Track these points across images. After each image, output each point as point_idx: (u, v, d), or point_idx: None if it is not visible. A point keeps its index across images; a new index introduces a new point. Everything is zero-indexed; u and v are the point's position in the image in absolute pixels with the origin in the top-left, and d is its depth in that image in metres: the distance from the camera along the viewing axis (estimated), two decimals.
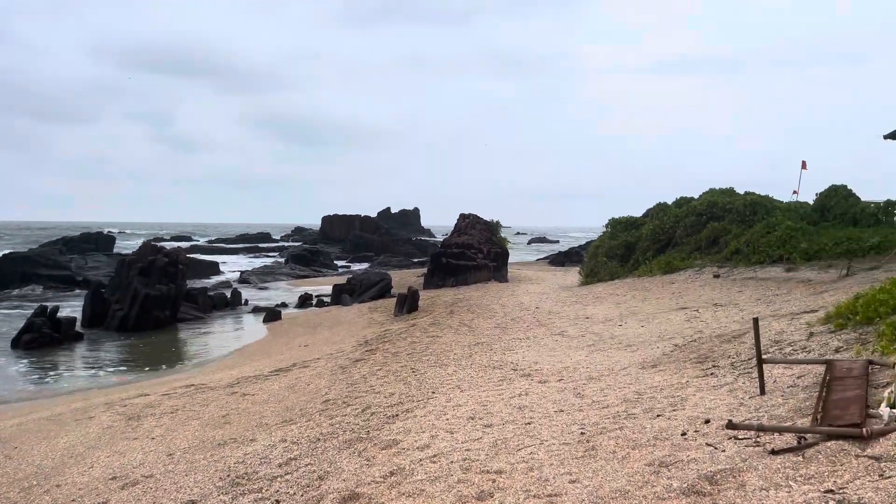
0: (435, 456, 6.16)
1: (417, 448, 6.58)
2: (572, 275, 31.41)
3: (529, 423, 6.85)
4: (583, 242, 65.00)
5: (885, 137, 20.07)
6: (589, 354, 11.15)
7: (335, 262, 58.40)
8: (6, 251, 44.02)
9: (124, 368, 17.71)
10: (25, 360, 18.42)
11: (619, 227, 29.29)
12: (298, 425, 8.72)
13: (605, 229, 30.33)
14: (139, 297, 23.97)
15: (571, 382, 8.86)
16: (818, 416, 4.73)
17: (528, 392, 8.57)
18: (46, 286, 36.45)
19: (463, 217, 34.86)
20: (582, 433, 6.11)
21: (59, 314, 21.77)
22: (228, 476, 6.85)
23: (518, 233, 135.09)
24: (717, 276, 19.37)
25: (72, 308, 27.28)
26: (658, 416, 6.32)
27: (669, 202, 28.72)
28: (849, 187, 21.95)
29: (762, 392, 6.27)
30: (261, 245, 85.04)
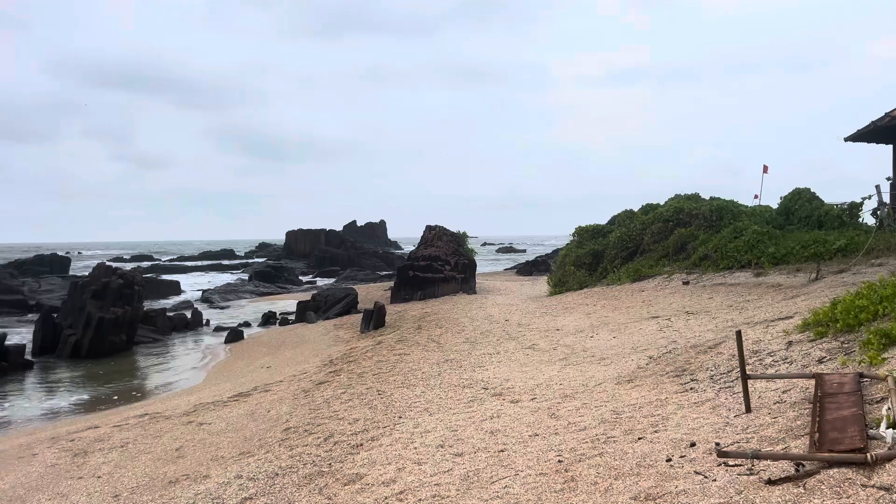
0: (402, 492, 5.67)
1: (383, 483, 6.08)
2: (540, 284, 31.10)
3: (503, 451, 6.40)
4: (549, 251, 64.99)
5: (846, 139, 20.21)
6: (562, 369, 10.74)
7: (300, 277, 57.45)
8: None
9: (75, 398, 16.80)
10: None
11: (585, 235, 29.09)
12: (256, 458, 8.14)
13: (571, 238, 30.12)
14: (93, 321, 22.94)
15: (545, 401, 8.44)
16: (815, 440, 4.36)
17: (500, 414, 8.12)
18: None
19: (429, 228, 34.42)
20: (559, 461, 5.68)
21: (7, 341, 20.65)
22: None
23: (485, 243, 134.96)
24: (686, 283, 19.19)
25: (22, 335, 26.08)
26: (639, 438, 5.92)
27: (635, 209, 28.60)
28: (812, 190, 22.03)
29: (748, 410, 5.91)
30: (224, 262, 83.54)
